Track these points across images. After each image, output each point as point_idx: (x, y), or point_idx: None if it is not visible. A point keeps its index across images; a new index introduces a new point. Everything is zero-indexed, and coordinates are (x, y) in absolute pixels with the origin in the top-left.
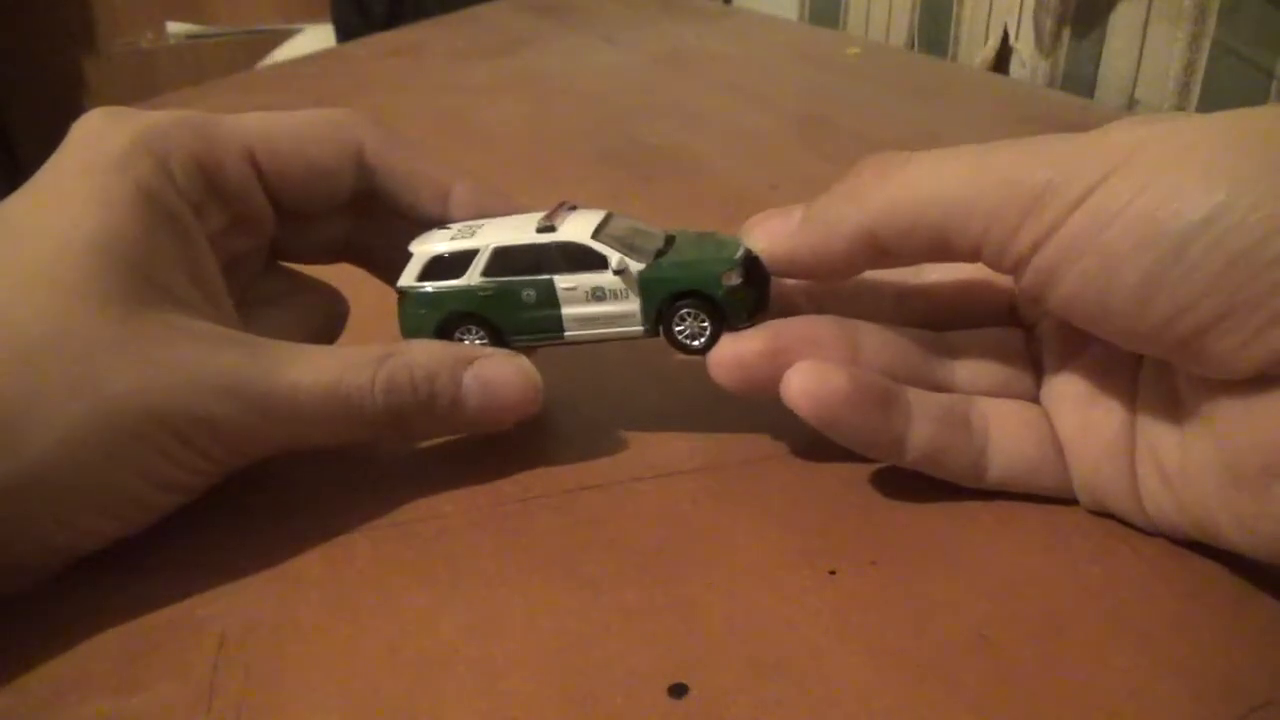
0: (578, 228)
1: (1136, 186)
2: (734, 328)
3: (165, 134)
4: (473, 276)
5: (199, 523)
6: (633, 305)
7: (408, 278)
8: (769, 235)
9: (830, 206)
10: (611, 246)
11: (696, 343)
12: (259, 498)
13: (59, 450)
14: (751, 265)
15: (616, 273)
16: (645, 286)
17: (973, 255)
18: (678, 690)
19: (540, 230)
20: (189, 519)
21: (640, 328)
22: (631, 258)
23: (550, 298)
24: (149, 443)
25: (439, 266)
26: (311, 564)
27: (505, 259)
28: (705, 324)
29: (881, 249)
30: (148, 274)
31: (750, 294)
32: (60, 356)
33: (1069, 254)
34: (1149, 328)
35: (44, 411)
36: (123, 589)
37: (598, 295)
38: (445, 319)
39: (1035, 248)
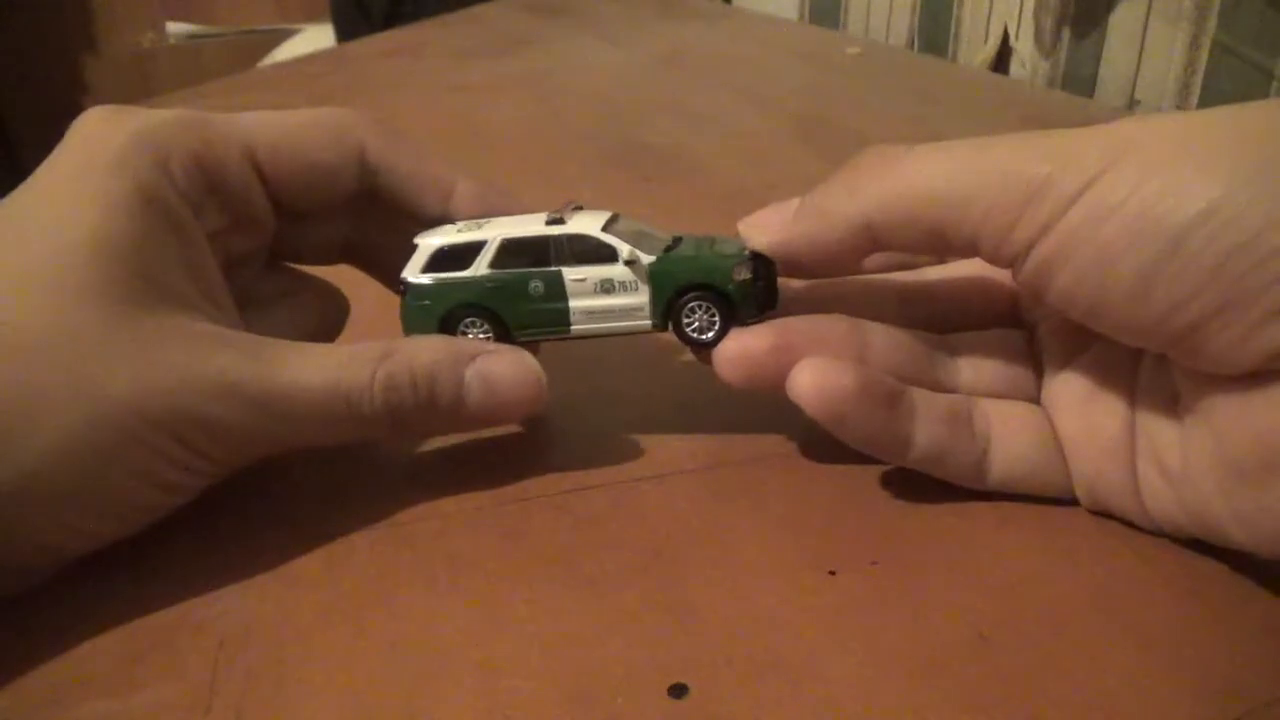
0: (587, 222)
1: (1134, 181)
2: (743, 322)
3: (165, 133)
4: (479, 268)
5: (199, 523)
6: (641, 298)
7: (412, 270)
8: (764, 228)
9: (828, 197)
10: (621, 239)
11: (705, 337)
12: (259, 498)
13: (57, 452)
14: (760, 261)
15: (627, 264)
16: (655, 279)
17: (970, 249)
18: (678, 690)
19: (549, 223)
20: (189, 519)
21: (649, 321)
22: (641, 251)
23: (558, 290)
24: (147, 444)
25: (444, 258)
26: (311, 564)
27: (513, 251)
28: (715, 318)
29: (878, 241)
30: (146, 274)
31: (759, 289)
32: (58, 358)
33: (1067, 248)
34: (1146, 322)
35: (42, 413)
36: (122, 590)
37: (606, 288)
38: (449, 312)
39: (1033, 241)
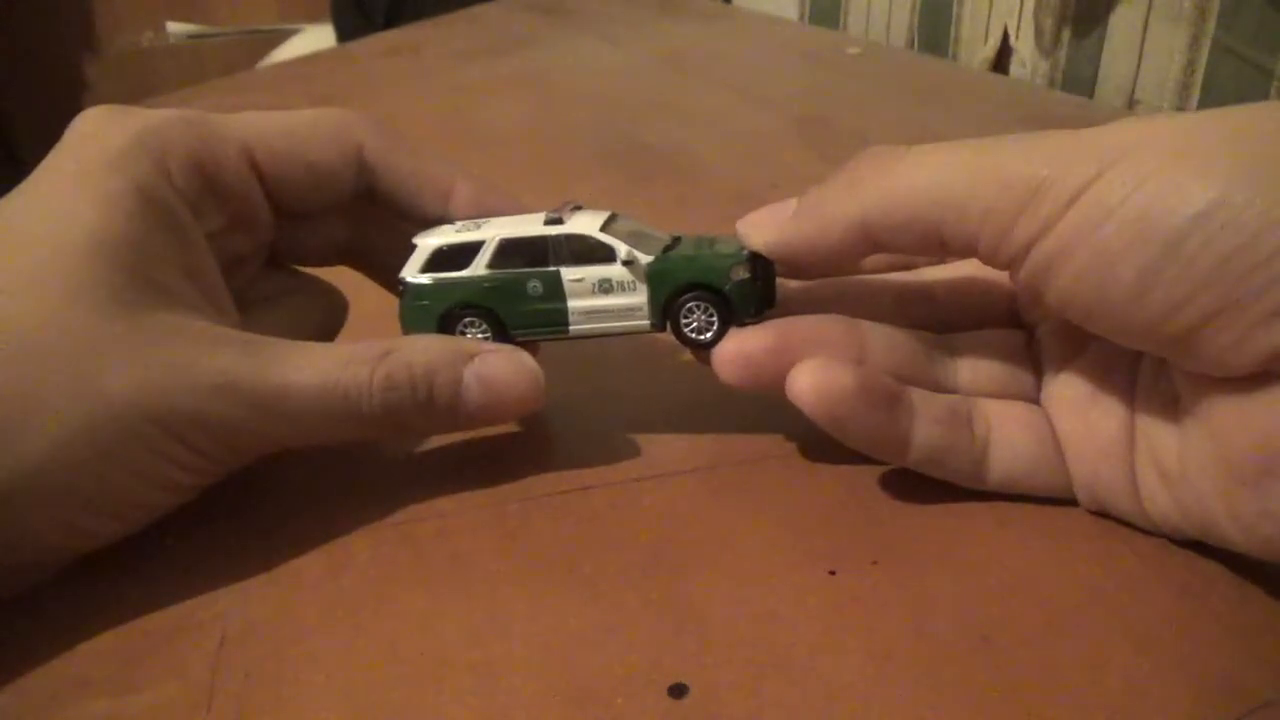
0: (585, 222)
1: (1132, 182)
2: (741, 322)
3: (163, 133)
4: (478, 268)
5: (199, 523)
6: (640, 298)
7: (411, 269)
8: (762, 228)
9: (826, 197)
10: (620, 239)
11: (703, 337)
12: (259, 498)
13: (56, 451)
14: (758, 261)
15: (625, 264)
16: (653, 279)
17: (968, 250)
18: (678, 690)
19: (548, 223)
20: (189, 519)
21: (647, 321)
22: (639, 250)
23: (556, 290)
24: (146, 442)
25: (443, 258)
26: (311, 565)
27: (511, 251)
28: (713, 318)
29: (876, 242)
30: (145, 273)
31: (757, 289)
32: (57, 357)
33: (1064, 249)
34: (1145, 323)
35: (41, 412)
36: (123, 589)
37: (604, 288)
38: (448, 311)
39: (1031, 243)
